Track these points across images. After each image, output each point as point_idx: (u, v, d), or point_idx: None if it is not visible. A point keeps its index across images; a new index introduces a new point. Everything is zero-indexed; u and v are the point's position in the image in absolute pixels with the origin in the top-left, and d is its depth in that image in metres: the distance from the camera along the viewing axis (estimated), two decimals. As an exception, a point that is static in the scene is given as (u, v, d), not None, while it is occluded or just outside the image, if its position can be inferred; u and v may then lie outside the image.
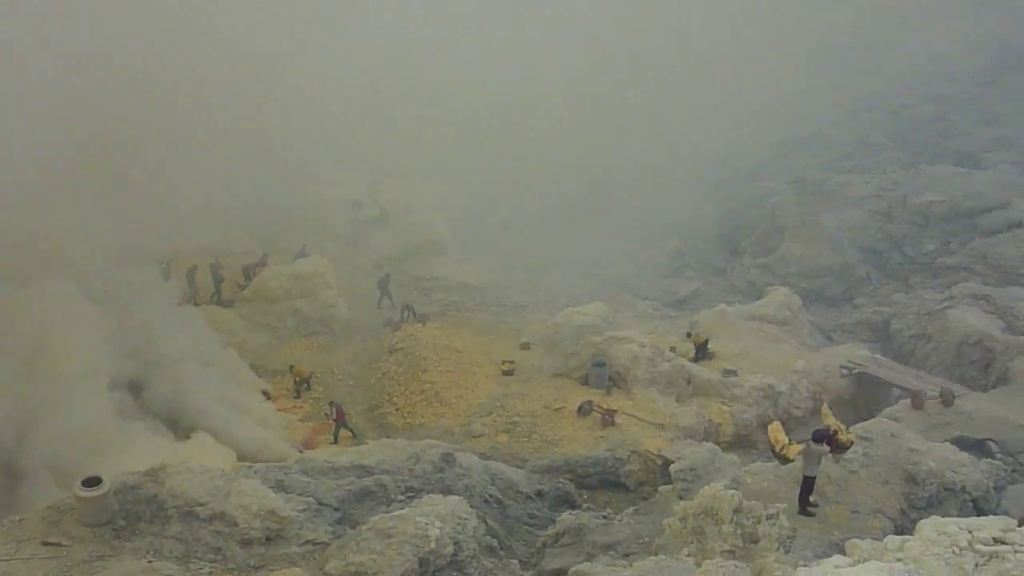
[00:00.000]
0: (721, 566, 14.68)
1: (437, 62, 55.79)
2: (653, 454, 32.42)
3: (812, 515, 20.57)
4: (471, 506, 23.95)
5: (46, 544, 21.03)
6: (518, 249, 54.23)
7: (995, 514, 18.60)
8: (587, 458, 32.61)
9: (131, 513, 22.09)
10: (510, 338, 42.51)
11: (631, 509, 25.64)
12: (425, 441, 30.94)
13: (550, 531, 24.44)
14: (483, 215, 56.54)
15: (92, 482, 21.59)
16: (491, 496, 27.97)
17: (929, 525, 8.30)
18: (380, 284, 47.11)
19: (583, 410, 34.95)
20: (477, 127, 55.98)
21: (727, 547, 17.58)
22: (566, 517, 24.67)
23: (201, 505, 22.48)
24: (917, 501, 21.81)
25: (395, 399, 38.00)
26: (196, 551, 21.31)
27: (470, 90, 56.17)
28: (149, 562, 20.09)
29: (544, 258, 53.08)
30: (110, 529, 21.53)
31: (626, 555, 21.19)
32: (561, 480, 31.16)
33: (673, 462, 26.57)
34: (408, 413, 37.02)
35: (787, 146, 72.36)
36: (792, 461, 21.59)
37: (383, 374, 39.75)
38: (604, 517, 25.81)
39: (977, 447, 30.21)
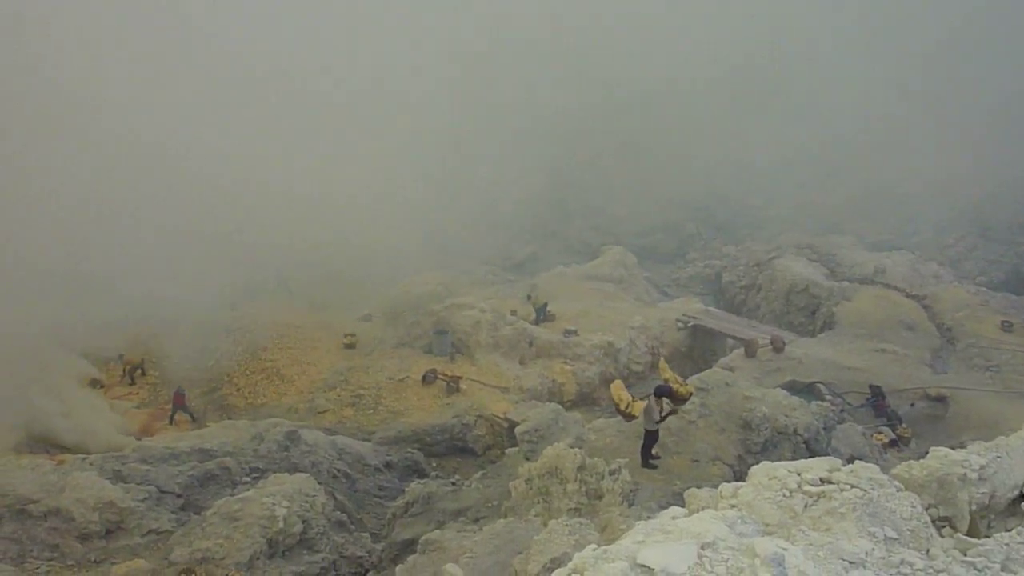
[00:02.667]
0: (567, 524, 14.90)
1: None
2: (499, 418, 32.69)
3: (655, 467, 21.05)
4: (319, 483, 23.80)
5: None
6: (354, 221, 53.56)
7: (825, 454, 19.55)
8: (434, 426, 32.66)
9: (-43, 516, 21.10)
10: (350, 311, 42.05)
11: (479, 474, 25.80)
12: (268, 420, 30.41)
13: (400, 501, 24.38)
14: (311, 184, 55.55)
15: (-90, 488, 20.49)
16: (339, 471, 27.75)
17: (760, 470, 8.55)
18: None
19: (427, 379, 34.96)
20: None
21: (573, 505, 17.88)
22: (415, 486, 24.65)
23: (34, 502, 21.66)
24: (753, 446, 22.59)
25: (235, 379, 37.11)
26: (31, 550, 20.60)
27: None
28: (-19, 566, 19.29)
29: (382, 229, 52.55)
30: (-70, 536, 20.52)
31: (476, 520, 21.33)
32: (409, 450, 31.14)
33: (518, 424, 26.87)
34: (249, 393, 36.23)
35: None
36: (637, 418, 22.04)
37: (220, 354, 38.65)
38: (453, 484, 25.99)
39: (808, 390, 31.60)
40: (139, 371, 38.16)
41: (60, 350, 37.99)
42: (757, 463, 9.02)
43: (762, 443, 22.77)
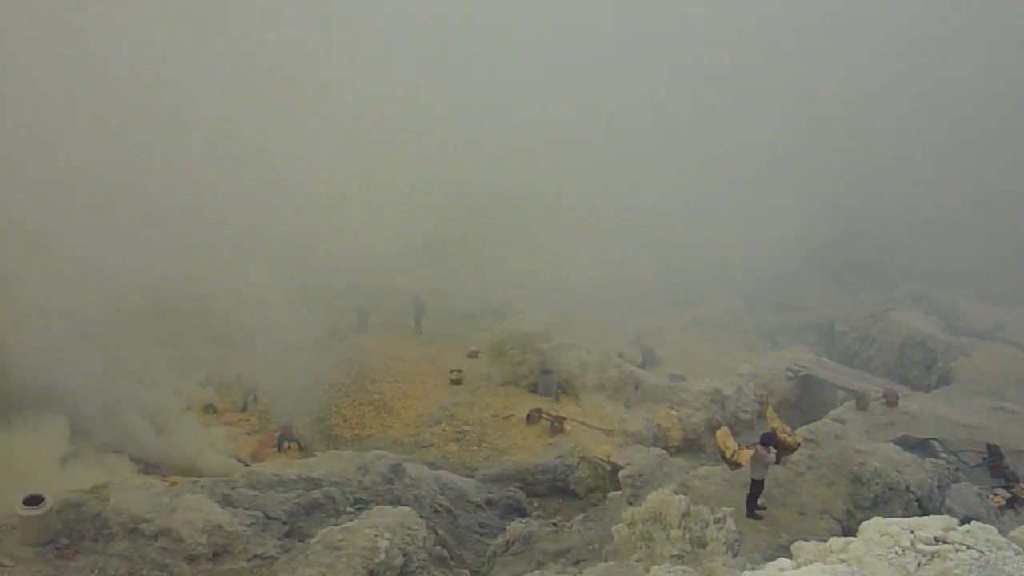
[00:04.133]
0: (670, 571, 14.72)
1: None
2: (602, 460, 32.45)
3: (760, 518, 20.70)
4: (421, 516, 23.84)
5: (-12, 566, 20.62)
6: (464, 257, 54.07)
7: (939, 513, 18.92)
8: (536, 466, 32.59)
9: (74, 531, 21.72)
10: (458, 347, 42.40)
11: (581, 516, 25.66)
12: (374, 452, 30.70)
13: (500, 540, 24.37)
14: (427, 224, 56.25)
15: (34, 500, 21.19)
16: (441, 506, 27.84)
17: (872, 526, 8.36)
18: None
19: (532, 418, 34.94)
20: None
21: (676, 552, 17.64)
22: (516, 525, 24.63)
23: (146, 522, 22.15)
24: (862, 501, 22.04)
25: (343, 410, 37.71)
26: (141, 568, 20.97)
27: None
28: (94, 581, 19.79)
29: (490, 266, 52.93)
30: (53, 548, 21.15)
31: (576, 562, 21.20)
32: (511, 488, 31.10)
33: (622, 468, 26.67)
34: (356, 424, 36.77)
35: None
36: (743, 467, 21.72)
37: (331, 385, 39.43)
38: (554, 524, 25.83)
39: (921, 447, 30.63)
40: (251, 398, 39.12)
41: (181, 375, 39.33)
42: (867, 519, 8.83)
43: (872, 499, 22.18)
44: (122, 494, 23.43)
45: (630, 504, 21.67)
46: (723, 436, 22.83)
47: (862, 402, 35.01)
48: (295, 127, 48.88)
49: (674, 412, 36.94)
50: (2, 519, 22.20)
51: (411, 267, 50.76)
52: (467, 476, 31.55)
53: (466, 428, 35.29)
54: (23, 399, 32.56)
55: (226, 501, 24.31)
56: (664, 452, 28.41)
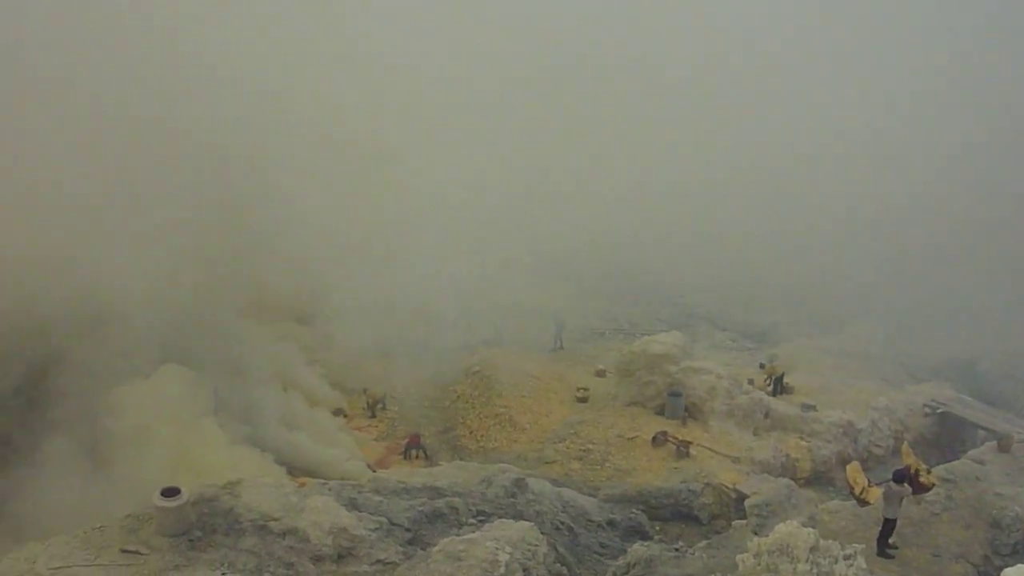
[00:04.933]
0: (795, 606, 14.36)
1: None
2: (728, 487, 31.93)
3: (891, 557, 20.07)
4: (542, 532, 23.77)
5: (125, 552, 21.38)
6: (594, 276, 54.17)
7: (1084, 564, 17.99)
8: (660, 489, 32.27)
9: (207, 525, 22.36)
10: (585, 364, 42.34)
11: (704, 543, 25.25)
12: (498, 465, 30.82)
13: (621, 561, 24.13)
14: (554, 240, 56.48)
15: (171, 492, 21.95)
16: (562, 523, 27.79)
17: (1014, 573, 8.01)
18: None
19: (657, 440, 34.63)
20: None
21: (802, 586, 17.19)
22: (637, 548, 24.37)
23: (275, 520, 22.67)
24: (1002, 547, 21.18)
25: (469, 422, 38.10)
26: (268, 565, 21.44)
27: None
28: (223, 574, 20.30)
29: (620, 285, 52.88)
30: (186, 540, 21.81)
31: (698, 589, 20.89)
32: (633, 510, 30.84)
33: (748, 496, 26.21)
34: (482, 436, 37.09)
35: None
36: (871, 504, 21.12)
37: (458, 396, 39.93)
38: (676, 550, 25.47)
39: (1066, 494, 29.25)
40: (380, 405, 39.79)
41: (312, 378, 40.30)
42: (1007, 566, 8.47)
43: (1012, 545, 21.27)
44: (254, 492, 24.05)
45: (755, 534, 21.21)
46: (853, 471, 22.19)
47: (1004, 443, 33.52)
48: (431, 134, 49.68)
49: (804, 443, 36.06)
50: (141, 509, 23.06)
51: (543, 283, 51.17)
52: (589, 495, 31.43)
53: (590, 447, 35.20)
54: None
55: (352, 505, 24.70)
56: (792, 483, 27.75)
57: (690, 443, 34.27)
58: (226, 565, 21.00)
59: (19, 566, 21.12)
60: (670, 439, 34.55)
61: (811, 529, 18.40)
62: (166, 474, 30.08)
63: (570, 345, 44.84)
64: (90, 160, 32.26)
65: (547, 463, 34.62)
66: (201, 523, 22.30)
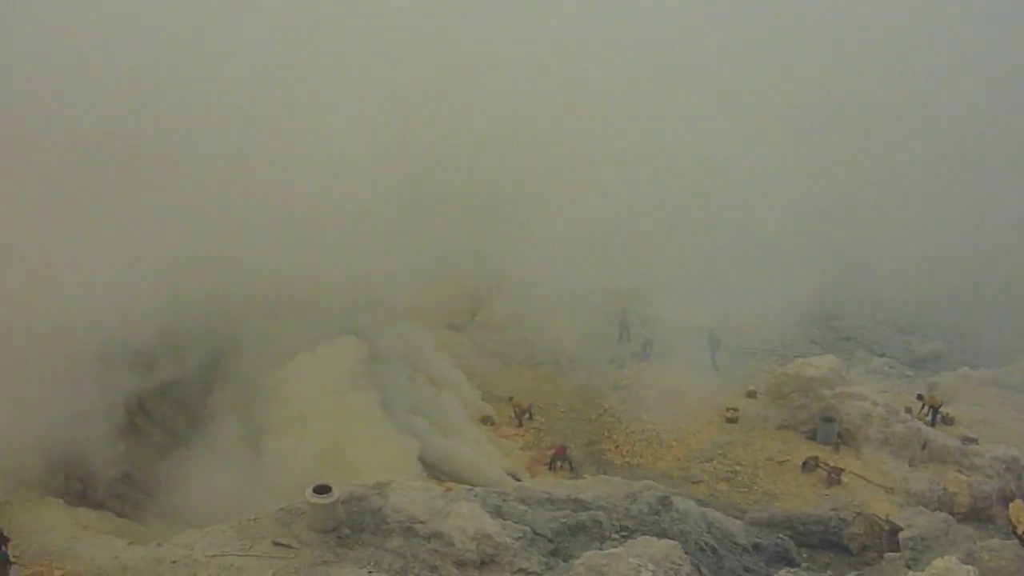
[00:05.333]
0: (950, 645, 13.91)
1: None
2: (880, 518, 30.96)
3: (1055, 602, 19.19)
4: (685, 552, 23.61)
5: (277, 544, 22.21)
6: (744, 293, 53.21)
7: None
8: (809, 515, 31.56)
9: (356, 523, 23.00)
10: (736, 384, 41.72)
11: (853, 573, 24.64)
12: (643, 482, 30.70)
13: (766, 587, 23.79)
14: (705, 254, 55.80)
15: (322, 490, 22.68)
16: (706, 544, 27.46)
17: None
18: (621, 320, 47.27)
19: (808, 466, 33.88)
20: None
21: (958, 625, 16.64)
22: (784, 575, 23.93)
23: (421, 523, 23.14)
24: None
25: (615, 436, 38.04)
26: (413, 567, 21.87)
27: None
28: (369, 572, 20.83)
29: (773, 304, 51.80)
30: (336, 537, 22.48)
31: (846, 620, 20.39)
32: (780, 536, 30.23)
33: (902, 529, 25.42)
34: (627, 452, 36.98)
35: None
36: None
37: (605, 410, 39.96)
38: (824, 578, 24.97)
39: None
40: (527, 415, 40.13)
41: (462, 384, 40.99)
42: None
43: None
44: (402, 494, 24.61)
45: (909, 568, 20.63)
46: (1017, 510, 21.35)
47: None
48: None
49: (963, 477, 34.61)
50: (293, 504, 23.88)
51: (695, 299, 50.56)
52: (735, 517, 30.96)
53: (738, 468, 34.71)
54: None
55: (497, 512, 24.99)
56: (950, 518, 26.80)
57: (842, 470, 33.41)
58: (372, 564, 21.52)
59: (178, 551, 22.17)
60: (821, 465, 33.76)
61: (970, 567, 17.82)
62: (326, 447, 31.17)
63: (721, 364, 44.23)
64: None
65: (693, 482, 34.31)
66: (350, 521, 22.94)
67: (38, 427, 25.38)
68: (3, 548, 21.12)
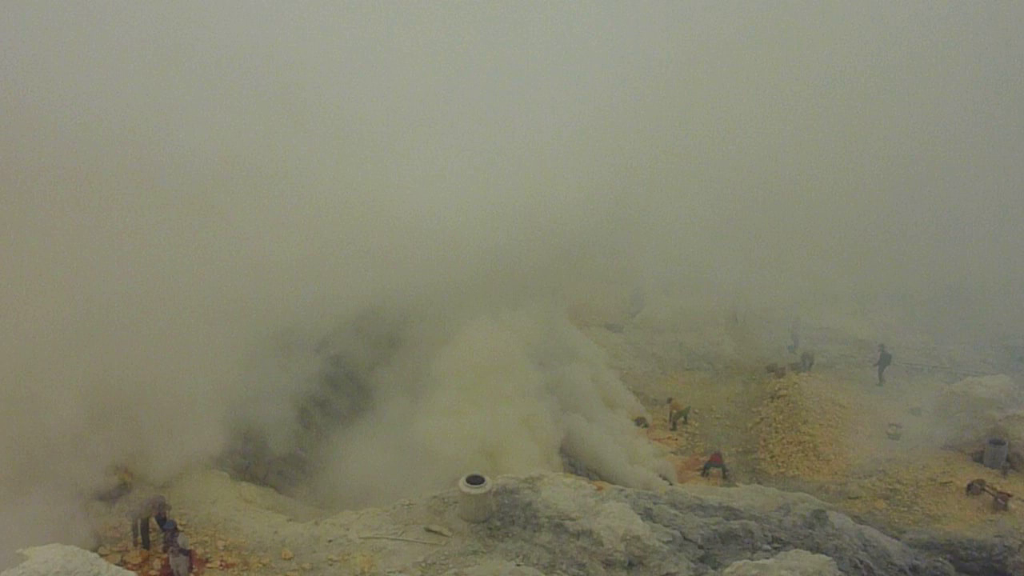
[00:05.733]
0: None
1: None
2: (1049, 548, 29.65)
3: None
4: (840, 569, 23.14)
5: (429, 531, 22.88)
6: (915, 308, 51.55)
7: None
8: (972, 540, 30.38)
9: (507, 515, 23.44)
10: (899, 400, 40.50)
11: (1016, 604, 23.68)
12: (798, 493, 30.21)
13: (922, 610, 23.09)
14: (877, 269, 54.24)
15: (476, 480, 23.20)
16: (861, 562, 26.81)
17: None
18: (792, 330, 46.65)
19: (973, 489, 32.63)
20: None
21: None
22: (941, 599, 23.21)
23: (571, 519, 23.40)
24: None
25: (771, 446, 37.51)
26: (561, 563, 22.15)
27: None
28: (517, 565, 21.19)
29: (944, 321, 50.02)
30: (486, 527, 22.98)
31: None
32: (939, 559, 29.23)
33: (1074, 562, 24.24)
34: (782, 462, 36.40)
35: None
36: None
37: (761, 419, 39.43)
38: (984, 607, 24.06)
39: None
40: (682, 419, 39.96)
41: (617, 384, 41.13)
42: None
43: None
44: (553, 489, 24.95)
45: (1077, 603, 19.68)
46: None
47: None
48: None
49: None
50: (446, 493, 24.49)
51: (863, 312, 49.44)
52: (893, 537, 30.11)
53: (898, 487, 33.69)
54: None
55: (647, 515, 25.05)
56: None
57: (1009, 496, 32.04)
58: (521, 557, 21.90)
59: (334, 531, 23.09)
60: (988, 489, 32.47)
61: None
62: (476, 431, 31.77)
63: (888, 379, 42.97)
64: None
65: (850, 498, 33.51)
66: (501, 513, 23.39)
67: (222, 406, 26.86)
68: (170, 517, 22.35)
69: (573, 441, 35.72)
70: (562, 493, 24.79)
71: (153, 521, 23.19)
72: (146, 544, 23.02)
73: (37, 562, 12.68)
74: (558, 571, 21.97)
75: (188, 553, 20.68)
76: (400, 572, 20.81)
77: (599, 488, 27.00)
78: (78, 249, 23.26)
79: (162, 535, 22.23)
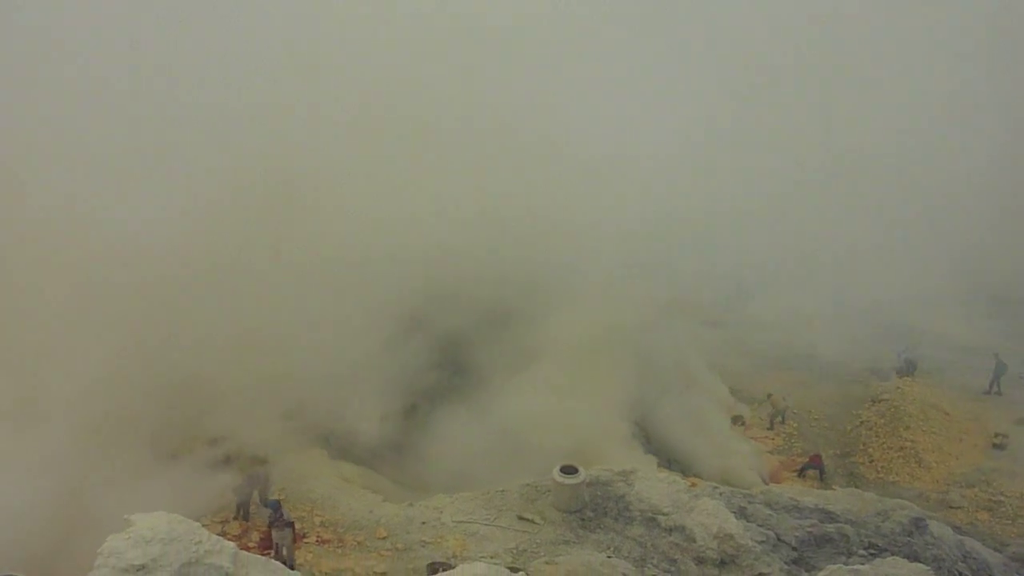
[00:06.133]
0: None
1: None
2: None
3: None
4: (938, 579, 22.68)
5: (521, 519, 23.04)
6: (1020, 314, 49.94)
7: None
8: (1077, 559, 29.46)
9: (599, 507, 23.49)
10: (1007, 409, 39.30)
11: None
12: (896, 500, 29.56)
13: (1022, 626, 22.45)
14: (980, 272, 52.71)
15: (569, 470, 23.29)
16: (960, 574, 26.20)
17: None
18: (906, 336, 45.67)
19: (1081, 504, 31.64)
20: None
21: None
22: (1041, 616, 22.53)
23: (663, 514, 23.32)
24: None
25: (870, 450, 36.78)
26: (652, 557, 22.11)
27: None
28: (608, 557, 21.21)
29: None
30: (578, 517, 23.06)
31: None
32: (1043, 575, 28.44)
33: None
34: (882, 467, 35.68)
35: None
36: None
37: (861, 422, 38.65)
38: (1088, 628, 23.28)
39: None
40: (780, 418, 39.42)
41: (714, 381, 40.77)
42: None
43: None
44: (646, 483, 24.87)
45: None
46: None
47: None
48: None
49: None
50: (539, 481, 24.64)
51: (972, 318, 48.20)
52: (995, 549, 29.31)
53: (1002, 498, 32.77)
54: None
55: (741, 513, 24.83)
56: None
57: (1119, 513, 31.04)
58: (612, 549, 21.93)
59: (428, 513, 23.43)
60: (1096, 505, 31.47)
61: None
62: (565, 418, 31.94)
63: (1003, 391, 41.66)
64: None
65: (951, 508, 32.69)
66: (594, 504, 23.45)
67: (336, 391, 27.63)
68: (281, 507, 22.88)
69: (663, 430, 35.69)
70: (656, 488, 24.70)
71: (256, 496, 23.87)
72: (246, 517, 23.71)
73: (143, 528, 13.15)
74: (649, 565, 21.94)
75: (291, 525, 21.25)
76: (492, 557, 21.00)
77: (693, 484, 26.86)
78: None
79: (265, 511, 22.87)
